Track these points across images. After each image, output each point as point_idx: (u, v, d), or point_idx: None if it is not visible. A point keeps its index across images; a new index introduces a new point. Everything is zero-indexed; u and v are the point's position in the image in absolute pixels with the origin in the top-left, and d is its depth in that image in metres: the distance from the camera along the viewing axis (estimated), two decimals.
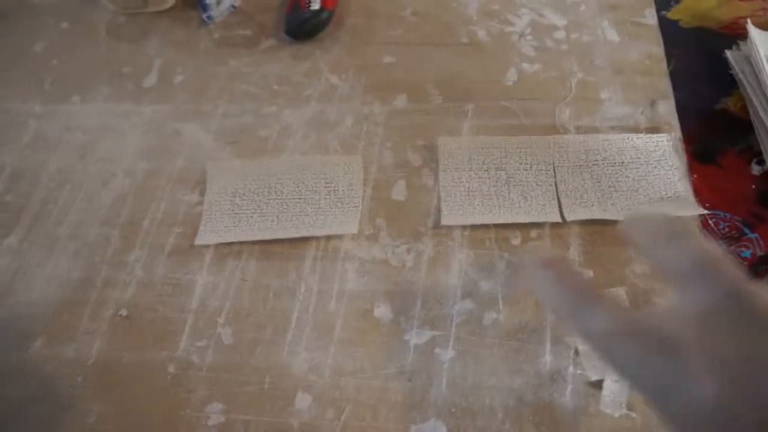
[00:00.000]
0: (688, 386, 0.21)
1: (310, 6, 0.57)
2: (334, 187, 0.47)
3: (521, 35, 0.56)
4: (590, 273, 0.41)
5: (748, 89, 0.48)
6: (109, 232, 0.47)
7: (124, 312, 0.43)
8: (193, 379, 0.40)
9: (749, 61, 0.49)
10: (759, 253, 0.42)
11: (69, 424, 0.39)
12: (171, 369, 0.40)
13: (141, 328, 0.42)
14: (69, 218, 0.48)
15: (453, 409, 0.37)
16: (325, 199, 0.47)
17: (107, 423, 0.39)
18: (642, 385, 0.23)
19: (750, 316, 0.22)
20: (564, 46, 0.54)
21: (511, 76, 0.53)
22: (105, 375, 0.41)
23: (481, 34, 0.57)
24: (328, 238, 0.45)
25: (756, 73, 0.48)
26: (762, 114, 0.46)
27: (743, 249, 0.42)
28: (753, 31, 0.50)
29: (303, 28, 0.57)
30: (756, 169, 0.46)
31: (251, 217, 0.46)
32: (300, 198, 0.47)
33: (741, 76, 0.49)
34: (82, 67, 0.59)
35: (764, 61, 0.47)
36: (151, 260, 0.45)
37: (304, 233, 0.45)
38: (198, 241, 0.45)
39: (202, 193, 0.48)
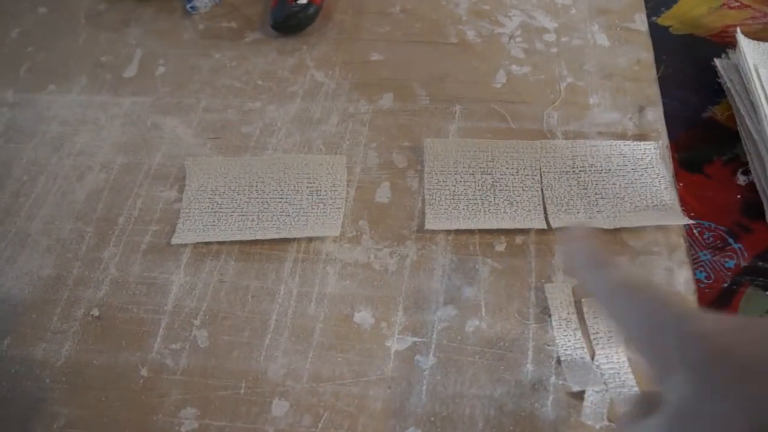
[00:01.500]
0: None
1: (297, 0, 0.55)
2: (317, 187, 0.46)
3: (511, 37, 0.55)
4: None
5: (736, 98, 0.48)
6: (83, 228, 0.46)
7: (96, 312, 0.42)
8: (166, 383, 0.39)
9: (738, 70, 0.49)
10: (743, 263, 0.42)
11: (36, 428, 0.37)
12: (144, 372, 0.39)
13: (113, 328, 0.41)
14: (41, 213, 0.47)
15: (433, 418, 0.37)
16: (307, 199, 0.46)
17: (76, 427, 0.38)
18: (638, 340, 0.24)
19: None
20: (554, 50, 0.54)
21: (500, 78, 0.52)
22: (75, 377, 0.39)
23: (471, 34, 0.56)
24: (310, 239, 0.44)
25: (744, 83, 0.48)
26: (749, 124, 0.46)
27: (727, 259, 0.42)
28: (742, 40, 0.49)
29: (289, 23, 0.56)
30: (742, 179, 0.46)
31: (231, 216, 0.45)
32: (281, 198, 0.46)
33: (729, 85, 0.49)
34: (59, 55, 0.57)
35: (753, 70, 0.47)
36: (126, 258, 0.44)
37: (285, 234, 0.44)
38: (175, 240, 0.44)
39: (180, 190, 0.47)
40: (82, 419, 0.38)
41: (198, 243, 0.44)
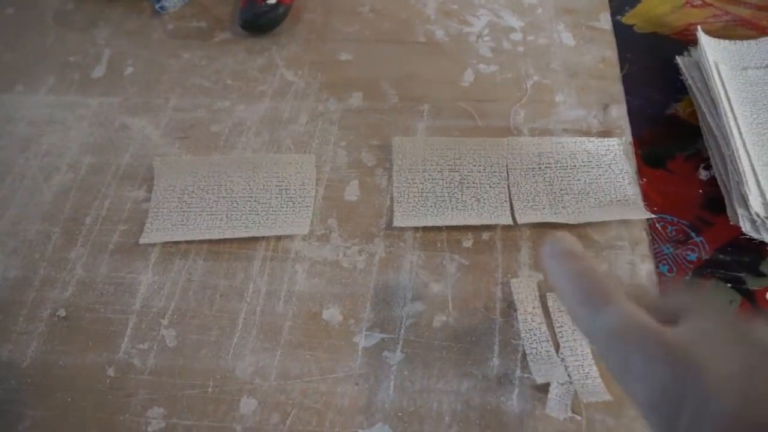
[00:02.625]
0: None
1: (266, 0, 0.55)
2: (286, 186, 0.46)
3: (479, 36, 0.56)
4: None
5: (697, 95, 0.49)
6: (49, 228, 0.45)
7: (62, 312, 0.41)
8: (133, 383, 0.39)
9: (699, 67, 0.50)
10: (704, 256, 0.43)
11: (1, 430, 0.37)
12: (110, 372, 0.39)
13: (80, 329, 0.41)
14: (8, 214, 0.46)
15: (400, 414, 0.37)
16: (276, 198, 0.46)
17: (42, 428, 0.37)
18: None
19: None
20: (520, 48, 0.54)
21: (468, 77, 0.53)
22: (40, 378, 0.39)
23: (439, 33, 0.56)
24: (279, 238, 0.44)
25: (705, 80, 0.49)
26: (710, 120, 0.47)
27: (689, 252, 0.43)
28: (703, 38, 0.50)
29: (258, 22, 0.56)
30: (703, 174, 0.47)
31: (200, 215, 0.45)
32: (251, 197, 0.46)
33: (691, 82, 0.50)
34: (27, 55, 0.57)
35: (713, 67, 0.48)
36: (93, 259, 0.44)
37: (254, 233, 0.44)
38: (143, 240, 0.44)
39: (149, 190, 0.47)
40: (47, 420, 0.37)
41: (166, 242, 0.44)
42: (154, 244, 0.44)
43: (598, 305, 0.25)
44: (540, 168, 0.46)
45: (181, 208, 0.46)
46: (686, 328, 0.23)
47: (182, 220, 0.45)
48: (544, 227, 0.44)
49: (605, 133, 0.48)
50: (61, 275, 0.43)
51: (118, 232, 0.45)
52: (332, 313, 0.41)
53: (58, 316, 0.41)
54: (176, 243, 0.44)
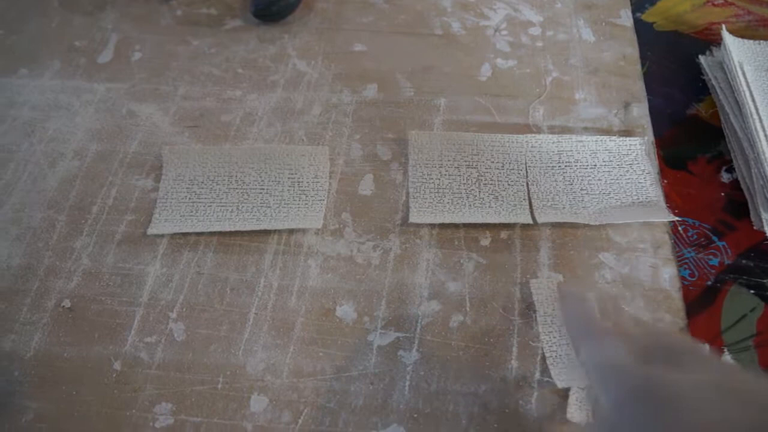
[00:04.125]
0: None
1: None
2: (299, 178, 0.45)
3: (496, 30, 0.55)
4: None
5: (721, 96, 0.48)
6: (54, 216, 0.44)
7: (67, 303, 0.40)
8: (140, 377, 0.37)
9: (722, 67, 0.49)
10: (726, 261, 0.42)
11: (3, 422, 0.36)
12: (117, 366, 0.38)
13: (85, 320, 0.39)
14: (11, 200, 0.45)
15: (416, 415, 0.36)
16: (288, 190, 0.44)
17: (45, 421, 0.36)
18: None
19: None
20: (539, 43, 0.53)
21: (485, 71, 0.52)
22: (44, 370, 0.38)
23: (456, 26, 0.55)
24: (291, 231, 0.43)
25: (729, 80, 0.48)
26: (734, 121, 0.46)
27: (711, 257, 0.42)
28: (727, 38, 0.49)
29: (271, 10, 0.54)
30: (726, 177, 0.46)
31: (209, 206, 0.44)
32: (262, 189, 0.45)
33: (714, 82, 0.49)
34: (31, 38, 0.55)
35: (738, 67, 0.47)
36: (100, 248, 0.42)
37: (266, 226, 0.43)
38: (151, 230, 0.43)
39: (157, 179, 0.45)
40: (51, 413, 0.36)
41: (175, 234, 0.43)
42: (162, 235, 0.43)
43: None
44: (560, 166, 0.45)
45: (190, 198, 0.44)
46: None
47: (191, 211, 0.44)
48: (564, 227, 0.43)
49: (626, 132, 0.47)
50: (66, 265, 0.42)
51: (125, 221, 0.44)
52: (346, 310, 0.40)
53: (63, 306, 0.40)
54: (185, 234, 0.43)
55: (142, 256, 0.42)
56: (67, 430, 0.36)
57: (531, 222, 0.42)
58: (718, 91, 0.48)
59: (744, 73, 0.47)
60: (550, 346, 0.37)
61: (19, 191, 0.45)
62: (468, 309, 0.39)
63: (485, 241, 0.42)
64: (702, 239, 0.43)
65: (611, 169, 0.45)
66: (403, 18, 0.56)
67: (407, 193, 0.44)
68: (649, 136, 0.47)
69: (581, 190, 0.44)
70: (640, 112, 0.48)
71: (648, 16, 0.56)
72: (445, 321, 0.39)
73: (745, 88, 0.46)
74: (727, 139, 0.47)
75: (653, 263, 0.41)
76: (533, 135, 0.46)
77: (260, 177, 0.45)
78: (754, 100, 0.46)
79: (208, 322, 0.39)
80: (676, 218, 0.43)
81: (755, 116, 0.44)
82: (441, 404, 0.36)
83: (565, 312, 0.33)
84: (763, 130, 0.44)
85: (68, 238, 0.43)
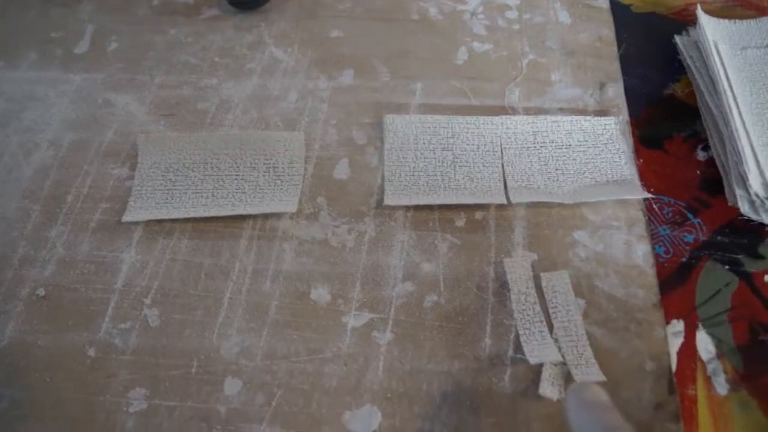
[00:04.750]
0: None
1: None
2: (274, 164, 0.45)
3: (473, 14, 0.54)
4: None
5: (696, 75, 0.48)
6: (29, 206, 0.44)
7: (41, 291, 0.40)
8: (114, 363, 0.37)
9: (698, 47, 0.49)
10: (701, 238, 0.42)
11: None
12: (91, 352, 0.38)
13: (59, 308, 0.39)
14: None
15: (389, 395, 0.36)
16: (263, 176, 0.44)
17: (19, 409, 0.36)
18: None
19: None
20: (516, 26, 0.53)
21: (462, 55, 0.52)
22: (18, 358, 0.38)
23: (433, 11, 0.55)
24: (266, 216, 0.43)
25: (704, 59, 0.47)
26: (708, 99, 0.46)
27: (686, 234, 0.42)
28: (702, 17, 0.49)
29: None
30: (701, 155, 0.46)
31: (185, 193, 0.44)
32: (237, 175, 0.45)
33: (689, 62, 0.49)
34: (8, 29, 0.55)
35: (712, 46, 0.47)
36: (75, 237, 0.42)
37: (240, 211, 0.43)
38: (126, 218, 0.43)
39: (132, 168, 0.45)
40: (25, 401, 0.36)
41: (150, 221, 0.43)
42: (138, 223, 0.43)
43: None
44: (535, 147, 0.45)
45: (165, 186, 0.44)
46: None
47: (167, 199, 0.44)
48: (539, 207, 0.43)
49: (602, 113, 0.47)
50: (41, 254, 0.42)
51: (101, 210, 0.44)
52: (320, 293, 0.40)
53: (37, 295, 0.40)
54: (160, 221, 0.43)
55: (116, 243, 0.42)
56: (41, 416, 0.36)
57: (505, 202, 0.42)
58: (694, 70, 0.48)
59: (719, 52, 0.47)
60: (524, 324, 0.37)
61: None
62: (442, 289, 0.39)
63: (460, 222, 0.42)
64: (677, 217, 0.43)
65: (586, 149, 0.45)
66: (380, 3, 0.56)
67: (382, 177, 0.44)
68: (624, 116, 0.47)
69: (556, 170, 0.44)
70: (616, 92, 0.48)
71: None
72: (419, 301, 0.39)
73: (720, 66, 0.46)
74: (702, 118, 0.47)
75: (627, 240, 0.41)
76: (508, 116, 0.46)
77: (236, 163, 0.45)
78: (728, 78, 0.46)
79: (182, 308, 0.39)
80: (650, 195, 0.43)
81: (729, 94, 0.44)
82: (415, 383, 0.36)
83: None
84: (737, 107, 0.44)
85: (43, 228, 0.43)
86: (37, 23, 0.55)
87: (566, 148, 0.45)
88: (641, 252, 0.41)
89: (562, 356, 0.36)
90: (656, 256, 0.41)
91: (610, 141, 0.45)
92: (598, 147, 0.45)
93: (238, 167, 0.45)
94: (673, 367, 0.37)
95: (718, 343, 0.38)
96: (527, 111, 0.48)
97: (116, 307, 0.39)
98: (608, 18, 0.54)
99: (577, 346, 0.36)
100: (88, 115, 0.49)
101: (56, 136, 0.47)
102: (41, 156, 0.46)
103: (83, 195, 0.44)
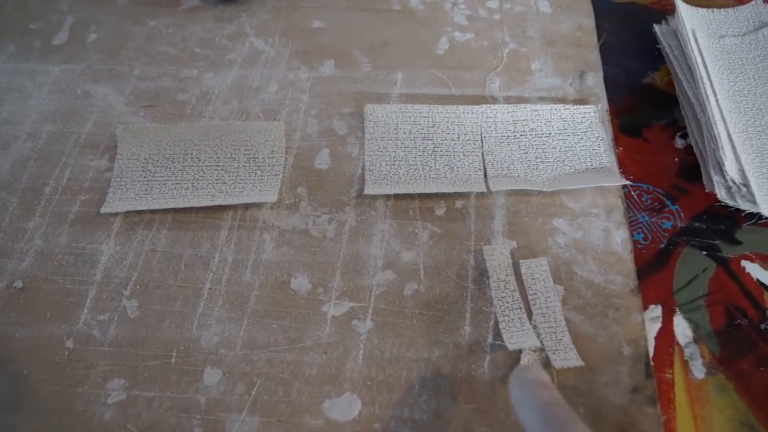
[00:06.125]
0: None
1: None
2: (254, 154, 0.45)
3: (454, 4, 0.54)
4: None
5: (674, 63, 0.48)
6: (6, 198, 0.43)
7: (19, 284, 0.40)
8: (93, 355, 0.37)
9: (676, 35, 0.49)
10: (679, 224, 0.42)
11: None
12: (69, 344, 0.37)
13: (38, 300, 0.39)
14: None
15: (369, 383, 0.36)
16: (244, 166, 0.44)
17: None
18: None
19: None
20: (497, 16, 0.53)
21: (443, 45, 0.52)
22: None
23: (414, 1, 0.55)
24: (246, 207, 0.43)
25: (682, 47, 0.48)
26: (686, 88, 0.46)
27: (664, 220, 0.42)
28: (681, 6, 0.50)
29: None
30: (679, 143, 0.46)
31: (165, 184, 0.44)
32: (218, 165, 0.44)
33: (668, 50, 0.49)
34: None
35: (690, 34, 0.47)
36: (53, 229, 0.42)
37: (220, 202, 0.42)
38: (104, 209, 0.42)
39: (111, 159, 0.45)
40: (2, 393, 0.36)
41: (129, 212, 0.43)
42: (117, 214, 0.43)
43: None
44: (515, 136, 0.45)
45: (145, 177, 0.44)
46: None
47: (146, 190, 0.43)
48: (518, 194, 0.43)
49: (581, 101, 0.47)
50: (19, 246, 0.41)
51: (79, 201, 0.43)
52: (300, 282, 0.40)
53: (15, 287, 0.40)
54: (140, 213, 0.43)
55: (95, 235, 0.42)
56: (19, 408, 0.36)
57: (485, 191, 0.42)
58: (672, 58, 0.48)
59: (696, 40, 0.47)
60: (503, 311, 0.37)
61: None
62: (422, 277, 0.40)
63: (440, 211, 0.42)
64: (656, 204, 0.43)
65: (565, 137, 0.45)
66: None
67: (363, 166, 0.44)
68: (603, 104, 0.47)
69: (536, 158, 0.44)
70: (595, 80, 0.49)
71: None
72: (400, 290, 0.39)
73: (697, 54, 0.46)
74: (680, 106, 0.47)
75: (606, 227, 0.41)
76: (488, 105, 0.46)
77: (216, 154, 0.45)
78: (705, 66, 0.46)
79: (161, 299, 0.39)
80: (628, 182, 0.43)
81: (706, 81, 0.45)
82: (394, 371, 0.36)
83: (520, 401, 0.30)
84: (714, 94, 0.44)
85: (20, 220, 0.42)
86: (16, 14, 0.55)
87: (546, 136, 0.45)
88: (619, 239, 0.41)
89: (541, 342, 0.36)
90: (635, 242, 0.41)
91: (589, 129, 0.45)
92: (578, 135, 0.45)
93: (218, 158, 0.45)
94: (651, 352, 0.37)
95: (695, 327, 0.38)
96: (507, 100, 0.48)
97: (95, 299, 0.39)
98: (588, 7, 0.54)
99: (555, 332, 0.37)
100: (67, 106, 0.48)
101: (34, 127, 0.47)
102: (19, 148, 0.46)
103: (62, 187, 0.44)
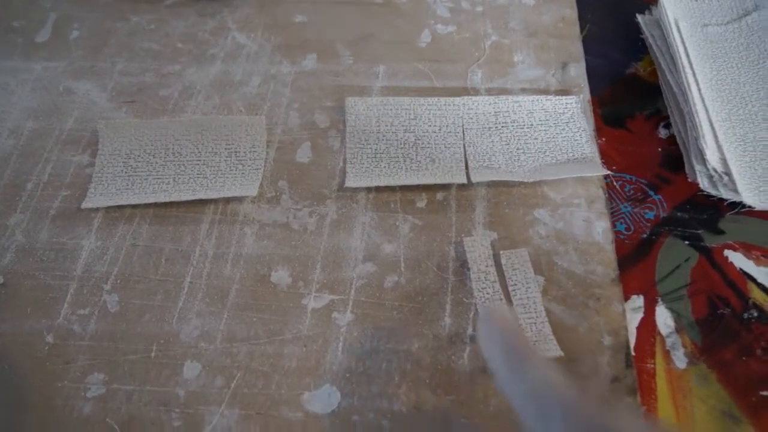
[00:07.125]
0: None
1: None
2: (236, 148, 0.45)
3: None
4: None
5: (657, 53, 0.48)
6: None
7: (0, 279, 0.40)
8: (73, 349, 0.37)
9: (659, 25, 0.49)
10: (662, 214, 0.42)
11: None
12: (49, 339, 0.37)
13: (18, 296, 0.39)
14: None
15: (348, 375, 0.36)
16: (225, 161, 0.44)
17: None
18: None
19: None
20: (479, 8, 0.53)
21: (425, 37, 0.52)
22: None
23: None
24: (227, 201, 0.43)
25: (665, 37, 0.48)
26: (669, 78, 0.46)
27: (647, 210, 0.42)
28: None
29: None
30: (663, 133, 0.46)
31: (146, 179, 0.44)
32: (199, 160, 0.44)
33: (651, 40, 0.49)
34: None
35: (673, 23, 0.47)
36: (34, 225, 0.42)
37: (201, 196, 0.42)
38: (85, 204, 0.42)
39: (93, 155, 0.45)
40: None
41: (110, 207, 0.42)
42: (98, 209, 0.42)
43: (520, 360, 0.27)
44: (497, 127, 0.45)
45: (126, 172, 0.44)
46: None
47: (127, 185, 0.43)
48: (499, 186, 0.43)
49: (564, 92, 0.47)
50: (0, 242, 0.41)
51: (60, 197, 0.43)
52: (281, 276, 0.39)
53: None
54: (121, 208, 0.43)
55: (76, 230, 0.42)
56: None
57: (467, 182, 0.42)
58: (655, 48, 0.48)
59: (679, 29, 0.47)
60: (483, 302, 0.37)
61: None
62: (403, 269, 0.39)
63: (421, 203, 0.42)
64: (638, 194, 0.43)
65: (547, 128, 0.45)
66: None
67: (344, 159, 0.44)
68: (586, 95, 0.47)
69: (517, 149, 0.44)
70: (578, 71, 0.48)
71: None
72: (380, 282, 0.39)
73: (680, 43, 0.46)
74: (664, 96, 0.47)
75: (587, 218, 0.41)
76: (470, 97, 0.46)
77: (197, 148, 0.45)
78: (688, 55, 0.46)
79: (142, 293, 0.39)
80: (610, 172, 0.43)
81: (688, 70, 0.45)
82: (374, 363, 0.36)
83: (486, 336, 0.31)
84: (696, 83, 0.44)
85: (2, 216, 0.42)
86: None
87: (528, 127, 0.45)
88: (601, 229, 0.41)
89: None
90: (617, 233, 0.41)
91: (571, 120, 0.45)
92: (559, 126, 0.45)
93: (199, 152, 0.45)
94: (633, 342, 0.37)
95: (677, 317, 0.38)
96: (489, 92, 0.48)
97: (75, 294, 0.39)
98: None
99: (535, 323, 0.37)
100: (49, 103, 0.48)
101: (16, 124, 0.47)
102: (1, 145, 0.46)
103: (43, 182, 0.44)
